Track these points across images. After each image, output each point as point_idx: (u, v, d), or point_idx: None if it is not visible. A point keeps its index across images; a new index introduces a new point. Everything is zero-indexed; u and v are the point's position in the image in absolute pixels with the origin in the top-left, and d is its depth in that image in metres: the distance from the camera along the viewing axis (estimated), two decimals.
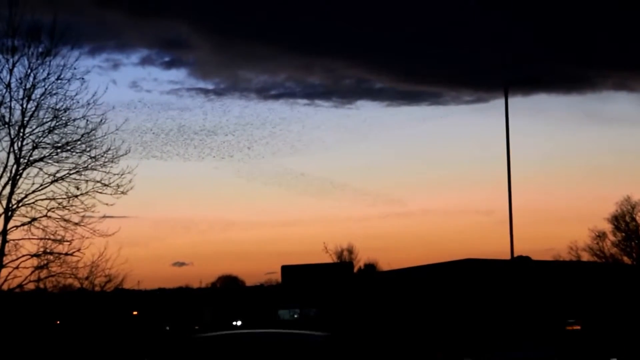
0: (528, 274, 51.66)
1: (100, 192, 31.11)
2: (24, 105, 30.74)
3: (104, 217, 31.46)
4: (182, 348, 14.63)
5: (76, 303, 51.68)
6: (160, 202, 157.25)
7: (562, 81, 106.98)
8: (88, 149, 31.07)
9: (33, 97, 30.79)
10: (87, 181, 31.07)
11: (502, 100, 37.64)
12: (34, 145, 30.87)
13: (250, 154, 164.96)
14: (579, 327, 51.34)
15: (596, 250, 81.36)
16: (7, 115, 30.57)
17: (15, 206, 30.65)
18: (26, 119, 30.73)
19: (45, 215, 30.80)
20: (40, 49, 30.82)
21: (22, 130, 30.72)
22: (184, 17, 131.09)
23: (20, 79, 30.64)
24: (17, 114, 30.72)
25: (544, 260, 68.03)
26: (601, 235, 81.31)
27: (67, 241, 30.99)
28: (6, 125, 30.55)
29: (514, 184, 38.96)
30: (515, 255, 53.97)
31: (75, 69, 31.05)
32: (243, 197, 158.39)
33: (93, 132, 31.03)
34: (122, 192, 31.32)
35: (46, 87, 30.84)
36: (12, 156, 30.65)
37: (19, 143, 30.72)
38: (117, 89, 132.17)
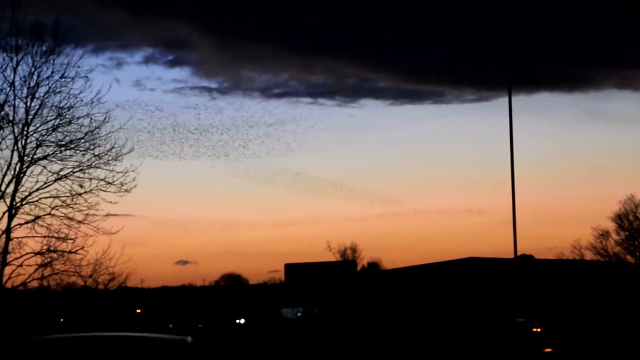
0: (531, 272, 51.64)
1: (104, 190, 31.21)
2: (28, 104, 30.86)
3: (108, 215, 31.57)
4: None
5: (80, 301, 51.78)
6: (163, 201, 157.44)
7: (565, 80, 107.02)
8: (92, 147, 31.18)
9: (37, 95, 30.90)
10: (90, 179, 31.19)
11: (505, 100, 37.71)
12: (38, 143, 30.96)
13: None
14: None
15: (599, 249, 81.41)
16: (11, 113, 30.70)
17: (19, 204, 30.74)
18: (30, 117, 30.84)
19: (49, 213, 30.90)
20: (43, 48, 30.95)
21: (26, 129, 30.81)
22: (186, 17, 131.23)
23: (24, 77, 30.76)
24: (21, 112, 30.86)
25: (547, 259, 68.02)
26: (604, 234, 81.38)
27: (71, 239, 31.09)
28: (10, 124, 30.66)
29: (517, 183, 38.98)
30: (519, 254, 54.06)
31: (78, 67, 31.19)
32: (244, 197, 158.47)
33: (97, 130, 31.15)
34: (126, 190, 31.41)
35: (50, 85, 30.97)
36: (16, 154, 30.76)
37: (23, 141, 30.82)
38: (121, 87, 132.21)
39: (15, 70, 30.66)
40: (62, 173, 31.11)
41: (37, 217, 30.79)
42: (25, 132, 30.81)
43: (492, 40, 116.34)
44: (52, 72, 30.93)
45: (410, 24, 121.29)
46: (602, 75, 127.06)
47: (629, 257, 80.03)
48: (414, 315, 52.18)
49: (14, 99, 30.67)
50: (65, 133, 31.12)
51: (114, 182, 31.17)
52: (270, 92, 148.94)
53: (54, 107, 31.02)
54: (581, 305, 50.06)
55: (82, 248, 31.17)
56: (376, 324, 52.67)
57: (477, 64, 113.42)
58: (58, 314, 54.02)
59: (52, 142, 31.05)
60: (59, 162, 31.12)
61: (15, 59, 30.64)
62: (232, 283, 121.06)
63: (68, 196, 31.01)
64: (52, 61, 30.93)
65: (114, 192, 31.23)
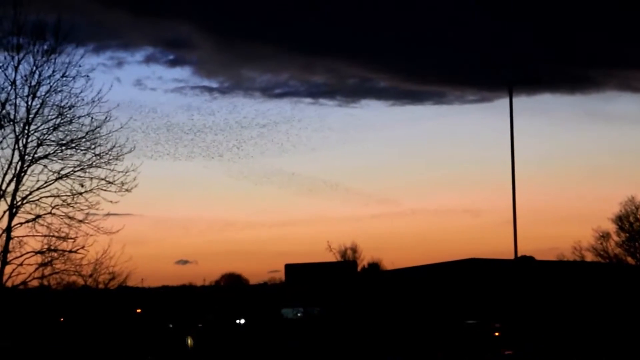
0: (532, 273, 51.65)
1: (105, 190, 31.22)
2: (29, 103, 30.86)
3: (108, 214, 31.57)
4: None
5: (80, 300, 51.76)
6: (164, 201, 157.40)
7: (565, 81, 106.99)
8: (92, 147, 31.18)
9: (38, 94, 30.91)
10: (91, 179, 31.20)
11: (506, 100, 37.67)
12: (39, 142, 30.95)
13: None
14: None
15: (600, 251, 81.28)
16: (12, 112, 30.70)
17: (19, 203, 30.73)
18: (31, 116, 30.84)
19: (50, 213, 30.90)
20: (45, 47, 30.94)
21: (27, 128, 30.81)
22: (187, 17, 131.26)
23: (25, 76, 30.77)
24: (22, 111, 30.86)
25: (547, 260, 68.03)
26: (605, 236, 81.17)
27: (71, 238, 31.09)
28: (11, 122, 30.65)
29: (518, 183, 38.94)
30: (519, 255, 54.03)
31: (79, 66, 31.19)
32: (243, 197, 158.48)
33: (97, 129, 31.16)
34: (127, 190, 31.41)
35: (51, 84, 30.97)
36: (17, 153, 30.76)
37: (24, 140, 30.81)
38: (122, 87, 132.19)
39: (16, 69, 30.68)
40: (62, 172, 31.14)
41: (38, 216, 30.80)
42: (26, 131, 30.81)
43: (493, 41, 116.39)
44: (53, 71, 30.97)
45: (411, 24, 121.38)
46: (603, 76, 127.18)
47: (629, 259, 79.93)
48: (414, 315, 52.15)
49: (15, 97, 30.71)
50: (66, 132, 31.16)
51: (114, 181, 31.20)
52: (271, 92, 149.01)
53: (55, 106, 31.06)
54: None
55: (83, 247, 31.19)
56: (376, 324, 52.64)
57: (478, 64, 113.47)
58: (58, 314, 54.01)
59: (53, 141, 31.08)
60: (59, 161, 31.15)
61: (16, 57, 30.65)
62: (232, 283, 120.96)
63: (69, 195, 31.04)
64: (53, 60, 30.96)
65: (115, 192, 31.26)
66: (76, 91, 31.04)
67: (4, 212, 30.59)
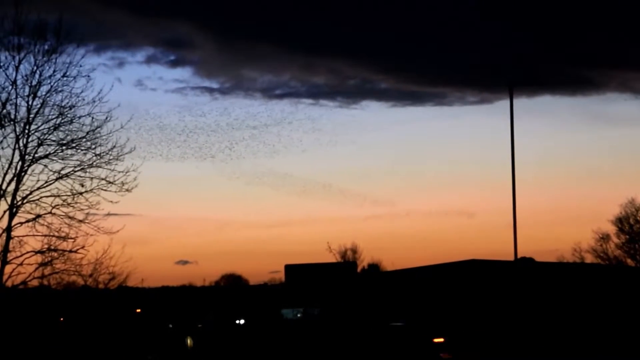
0: (532, 275, 51.63)
1: (105, 190, 31.27)
2: (30, 102, 30.91)
3: (109, 214, 31.61)
4: None
5: (80, 300, 51.78)
6: (164, 201, 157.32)
7: (566, 83, 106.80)
8: (93, 147, 31.25)
9: (39, 94, 30.96)
10: (91, 178, 31.26)
11: (507, 102, 37.82)
12: (39, 142, 31.00)
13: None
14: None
15: (600, 252, 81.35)
16: (12, 112, 30.75)
17: (20, 203, 30.78)
18: (32, 116, 30.90)
19: (50, 212, 30.95)
20: (46, 47, 30.98)
21: (27, 127, 30.85)
22: (188, 17, 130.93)
23: (26, 76, 30.81)
24: (23, 111, 30.91)
25: (547, 261, 68.01)
26: (605, 237, 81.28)
27: (72, 238, 31.15)
28: (12, 122, 30.70)
29: (518, 185, 38.96)
30: (519, 256, 54.04)
31: (80, 66, 31.24)
32: (244, 197, 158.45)
33: (98, 129, 31.22)
34: (127, 190, 31.45)
35: (52, 84, 31.03)
36: (17, 153, 30.82)
37: (25, 140, 30.86)
38: (123, 87, 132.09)
39: (17, 68, 30.75)
40: (63, 172, 31.20)
41: (38, 216, 30.83)
42: (26, 131, 30.85)
43: (493, 43, 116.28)
44: (54, 71, 31.04)
45: (411, 25, 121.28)
46: (603, 77, 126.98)
47: (629, 261, 79.96)
48: (415, 316, 52.11)
49: (16, 97, 30.77)
50: (66, 132, 31.22)
51: (115, 181, 31.23)
52: (272, 92, 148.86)
53: (55, 106, 31.12)
54: (582, 307, 49.97)
55: (83, 247, 31.25)
56: (377, 325, 52.60)
57: (479, 66, 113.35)
58: (58, 313, 54.01)
59: (54, 141, 31.14)
60: (60, 161, 31.21)
61: (17, 57, 30.72)
62: (232, 283, 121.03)
63: (69, 195, 31.10)
64: (54, 60, 31.03)
65: (115, 192, 31.30)
66: (77, 91, 31.15)
67: (4, 211, 30.66)
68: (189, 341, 62.80)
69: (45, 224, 30.91)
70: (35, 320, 47.43)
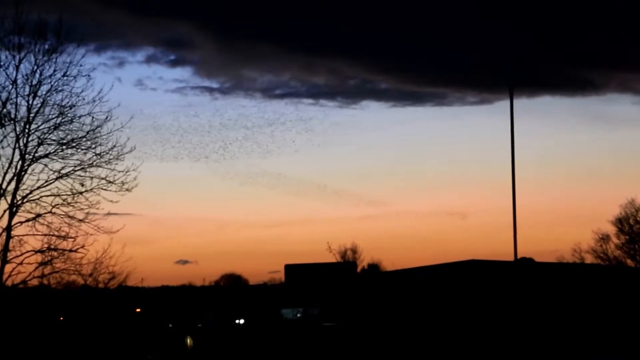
0: (531, 275, 51.63)
1: (105, 189, 31.26)
2: (30, 102, 30.90)
3: (109, 214, 31.60)
4: None
5: (80, 299, 51.79)
6: (164, 201, 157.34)
7: (566, 83, 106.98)
8: (93, 146, 31.24)
9: (39, 93, 30.96)
10: (91, 178, 31.26)
11: (507, 102, 37.83)
12: (40, 141, 30.99)
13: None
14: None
15: (600, 253, 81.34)
16: (13, 111, 30.74)
17: (20, 202, 30.77)
18: (32, 115, 30.89)
19: (50, 212, 30.95)
20: (46, 46, 30.98)
21: (27, 127, 30.85)
22: (188, 17, 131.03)
23: (26, 75, 30.81)
24: (23, 110, 30.90)
25: (547, 262, 67.98)
26: (605, 238, 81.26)
27: (71, 238, 31.15)
28: (12, 121, 30.69)
29: (518, 185, 38.96)
30: (519, 256, 54.03)
31: (81, 66, 31.24)
32: (244, 198, 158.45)
33: (98, 129, 31.20)
34: (127, 190, 31.44)
35: (52, 83, 31.03)
36: (17, 152, 30.81)
37: (25, 139, 30.85)
38: (123, 87, 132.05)
39: (17, 68, 30.74)
40: (63, 171, 31.20)
41: (38, 216, 30.83)
42: (26, 130, 30.85)
43: (494, 43, 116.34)
44: (54, 71, 31.04)
45: (412, 25, 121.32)
46: (603, 78, 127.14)
47: (629, 261, 79.94)
48: (415, 316, 52.12)
49: (16, 96, 30.76)
50: (66, 131, 31.22)
51: (115, 181, 31.23)
52: (272, 92, 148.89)
53: (55, 106, 31.11)
54: (580, 308, 49.96)
55: (83, 247, 31.26)
56: (377, 325, 52.63)
57: (479, 66, 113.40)
58: (58, 313, 54.03)
59: (54, 140, 31.13)
60: (60, 160, 31.21)
61: (17, 57, 30.73)
62: (232, 283, 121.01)
63: (69, 195, 31.09)
64: (54, 60, 31.02)
65: (115, 191, 31.30)
66: (77, 91, 31.16)
67: (4, 210, 30.66)
68: (188, 341, 62.80)
69: (45, 223, 30.94)
70: (35, 320, 47.43)
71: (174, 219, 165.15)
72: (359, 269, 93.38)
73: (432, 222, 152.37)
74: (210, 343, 62.97)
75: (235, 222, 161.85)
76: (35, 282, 32.52)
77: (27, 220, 30.80)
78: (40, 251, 31.05)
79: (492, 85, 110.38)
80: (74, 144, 31.18)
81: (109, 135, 31.17)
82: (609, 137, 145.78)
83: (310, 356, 51.23)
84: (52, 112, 31.06)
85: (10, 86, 30.62)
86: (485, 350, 48.04)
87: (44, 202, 30.95)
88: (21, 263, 30.91)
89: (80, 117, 31.11)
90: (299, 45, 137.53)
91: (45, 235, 30.99)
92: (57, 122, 31.04)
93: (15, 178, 30.72)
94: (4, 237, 30.58)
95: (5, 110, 30.53)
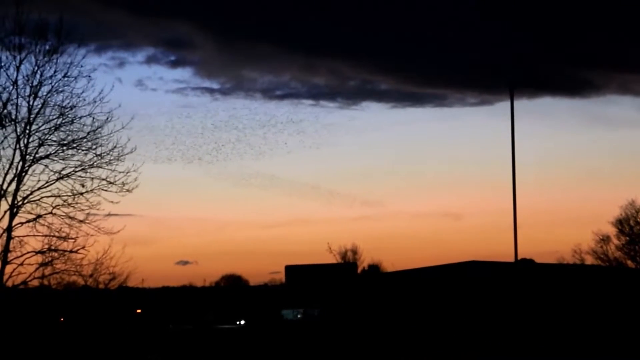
0: (532, 276, 51.64)
1: (106, 190, 31.25)
2: (31, 103, 30.88)
3: (109, 215, 31.57)
4: None
5: (80, 300, 51.80)
6: (165, 201, 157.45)
7: (566, 84, 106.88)
8: (94, 147, 31.23)
9: (39, 94, 30.95)
10: (92, 179, 31.25)
11: (507, 103, 37.79)
12: (40, 142, 30.99)
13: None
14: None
15: (600, 254, 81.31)
16: (13, 112, 30.74)
17: (20, 203, 30.77)
18: (32, 116, 30.88)
19: (51, 213, 30.93)
20: (46, 47, 30.96)
21: (28, 128, 30.84)
22: (188, 17, 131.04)
23: (27, 76, 30.79)
24: (24, 111, 30.90)
25: (548, 263, 68.00)
26: (605, 239, 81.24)
27: (72, 238, 31.14)
28: (13, 122, 30.68)
29: (518, 186, 38.96)
30: (520, 257, 54.04)
31: (81, 66, 31.22)
32: (244, 198, 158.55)
33: (99, 129, 31.18)
34: (128, 190, 31.44)
35: (53, 84, 31.01)
36: (18, 153, 30.81)
37: (25, 140, 30.84)
38: (123, 87, 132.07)
39: (18, 68, 30.73)
40: (63, 172, 31.19)
41: (39, 216, 30.82)
42: (27, 131, 30.83)
43: (494, 43, 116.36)
44: (55, 71, 31.02)
45: (412, 26, 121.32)
46: (603, 79, 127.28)
47: (629, 262, 79.93)
48: (415, 317, 52.14)
49: (17, 97, 30.75)
50: (67, 132, 31.20)
51: (115, 182, 31.23)
52: (272, 93, 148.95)
53: (56, 106, 31.10)
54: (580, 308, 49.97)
55: (83, 247, 31.23)
56: (377, 326, 52.64)
57: (479, 66, 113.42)
58: (58, 313, 54.04)
59: (54, 141, 31.11)
60: (60, 161, 31.20)
61: (18, 57, 30.70)
62: (232, 284, 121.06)
63: (69, 195, 31.09)
64: (55, 60, 31.01)
65: (116, 192, 31.29)
66: (78, 91, 31.14)
67: (5, 211, 30.66)
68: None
69: (46, 224, 30.93)
70: (35, 320, 47.45)
71: (175, 220, 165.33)
72: (359, 270, 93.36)
73: (432, 223, 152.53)
74: (211, 344, 62.96)
75: (236, 222, 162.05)
76: (35, 282, 32.53)
77: (28, 221, 30.82)
78: (41, 252, 31.05)
79: (492, 86, 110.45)
80: (74, 145, 31.18)
81: (110, 136, 31.19)
82: (609, 138, 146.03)
83: (310, 357, 51.20)
84: (52, 113, 31.10)
85: (11, 87, 30.64)
86: (486, 351, 48.04)
87: (44, 203, 30.98)
88: (22, 264, 30.91)
89: (80, 117, 31.15)
90: (299, 46, 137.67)
91: (45, 236, 31.01)
92: (58, 123, 31.05)
93: (15, 179, 30.72)
94: (5, 238, 30.59)
95: (5, 111, 30.54)
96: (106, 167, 31.24)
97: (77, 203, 31.05)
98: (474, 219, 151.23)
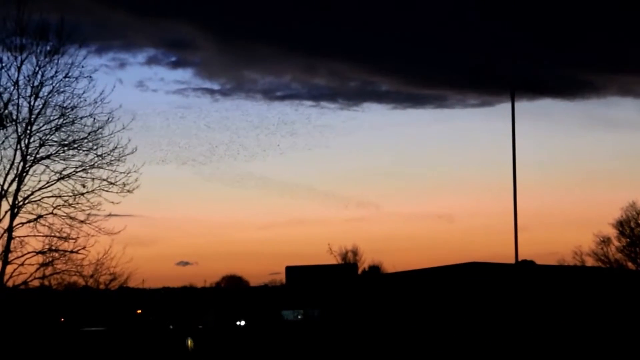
0: (532, 278, 51.63)
1: (106, 191, 31.28)
2: (32, 103, 30.93)
3: (110, 215, 31.61)
4: None
5: (81, 301, 51.80)
6: (165, 202, 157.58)
7: (567, 86, 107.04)
8: (95, 147, 31.26)
9: (41, 94, 30.98)
10: (93, 179, 31.29)
11: (508, 104, 37.80)
12: (41, 142, 31.02)
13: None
14: None
15: (601, 256, 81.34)
16: (14, 112, 30.77)
17: (21, 203, 30.80)
18: (33, 116, 30.92)
19: (51, 213, 30.96)
20: (48, 48, 31.00)
21: (29, 128, 30.88)
22: (189, 18, 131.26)
23: (28, 76, 30.83)
24: (25, 111, 30.93)
25: (548, 264, 67.97)
26: (606, 241, 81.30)
27: (73, 239, 31.18)
28: (14, 123, 30.71)
29: (519, 187, 38.95)
30: (520, 259, 54.02)
31: (82, 67, 31.26)
32: (243, 199, 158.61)
33: (100, 130, 31.22)
34: (128, 191, 31.47)
35: (54, 85, 31.04)
36: (19, 153, 30.85)
37: (26, 140, 30.88)
38: (124, 88, 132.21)
39: (19, 69, 30.75)
40: (64, 173, 31.22)
41: (39, 217, 30.86)
42: (28, 131, 30.87)
43: (495, 45, 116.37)
44: (56, 72, 31.05)
45: (413, 27, 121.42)
46: (604, 81, 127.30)
47: (630, 264, 79.96)
48: (415, 319, 52.17)
49: (18, 98, 30.78)
50: (68, 133, 31.22)
51: (116, 182, 31.25)
52: (273, 94, 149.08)
53: (57, 107, 31.13)
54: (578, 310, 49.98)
55: (84, 248, 31.27)
56: (377, 327, 52.66)
57: (479, 67, 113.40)
58: (59, 314, 54.06)
59: (55, 141, 31.14)
60: (61, 161, 31.23)
61: (19, 58, 30.73)
62: (232, 284, 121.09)
63: (70, 196, 31.12)
64: (56, 61, 31.05)
65: (117, 193, 31.32)
66: (79, 92, 31.18)
67: (6, 212, 30.68)
68: (189, 342, 62.81)
69: (47, 224, 30.96)
70: (36, 321, 47.46)
71: (175, 221, 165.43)
72: (359, 271, 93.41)
73: (432, 224, 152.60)
74: (211, 344, 63.00)
75: (237, 223, 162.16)
76: (36, 283, 32.56)
77: (29, 222, 30.85)
78: (42, 252, 31.08)
79: (492, 88, 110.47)
80: (75, 145, 31.22)
81: (110, 136, 31.23)
82: (610, 140, 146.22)
83: (310, 357, 51.23)
84: (53, 114, 31.13)
85: (12, 87, 30.67)
86: (486, 353, 48.04)
87: (45, 203, 31.01)
88: (22, 264, 30.94)
89: (81, 118, 31.19)
90: (300, 47, 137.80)
91: (46, 236, 31.05)
92: (59, 123, 31.08)
93: (16, 179, 30.75)
94: (6, 238, 30.62)
95: (6, 111, 30.57)
96: (107, 168, 31.32)
97: (77, 203, 31.12)
98: (474, 220, 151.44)
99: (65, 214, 31.02)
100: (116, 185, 31.25)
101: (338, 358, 50.29)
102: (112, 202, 31.33)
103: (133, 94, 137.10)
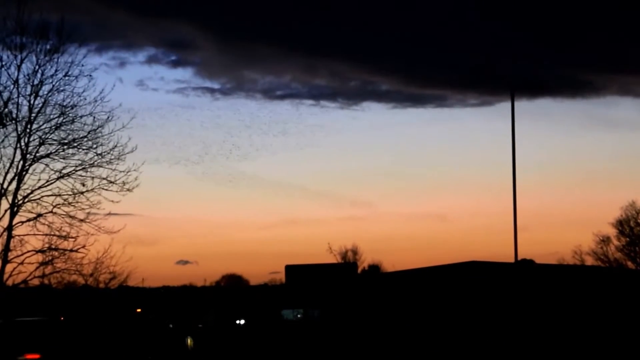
0: (532, 277, 51.66)
1: (106, 189, 31.32)
2: (32, 102, 30.95)
3: (109, 214, 31.64)
4: None
5: (80, 299, 51.83)
6: (165, 201, 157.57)
7: (567, 86, 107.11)
8: (94, 146, 31.29)
9: (40, 93, 31.01)
10: (93, 178, 31.31)
11: (508, 104, 37.84)
12: (41, 141, 31.05)
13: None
14: None
15: (600, 255, 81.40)
16: (14, 111, 30.79)
17: (21, 202, 30.82)
18: (33, 115, 30.95)
19: (51, 212, 30.99)
20: (48, 46, 31.04)
21: (29, 127, 30.90)
22: (190, 17, 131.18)
23: (28, 75, 30.85)
24: (25, 110, 30.95)
25: (548, 264, 68.00)
26: (605, 240, 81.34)
27: (72, 237, 31.20)
28: (13, 121, 30.73)
29: (519, 187, 38.95)
30: (520, 258, 54.05)
31: (82, 66, 31.30)
32: (243, 199, 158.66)
33: (100, 129, 31.26)
34: (128, 190, 31.50)
35: (54, 83, 31.07)
36: (18, 152, 30.88)
37: (26, 139, 30.90)
38: (124, 87, 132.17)
39: (19, 68, 30.77)
40: (64, 171, 31.26)
41: (39, 215, 30.88)
42: (28, 130, 30.90)
43: (495, 45, 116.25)
44: (56, 71, 31.08)
45: (413, 27, 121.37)
46: (604, 81, 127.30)
47: (629, 263, 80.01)
48: (415, 317, 52.20)
49: (18, 96, 30.80)
50: (68, 131, 31.26)
51: (116, 181, 31.29)
52: (273, 93, 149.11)
53: (57, 106, 31.17)
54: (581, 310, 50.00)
55: (84, 247, 31.30)
56: (377, 327, 52.70)
57: (479, 67, 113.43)
58: (58, 312, 54.05)
59: (55, 140, 31.17)
60: (61, 160, 31.27)
61: (19, 56, 30.75)
62: (232, 283, 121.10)
63: (70, 194, 31.14)
64: (56, 59, 31.07)
65: (116, 191, 31.35)
66: (78, 90, 31.21)
67: (6, 210, 30.71)
68: (189, 341, 62.86)
69: (46, 223, 30.99)
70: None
71: (175, 220, 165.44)
72: (359, 270, 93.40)
73: (431, 224, 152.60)
74: (211, 343, 63.05)
75: (237, 222, 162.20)
76: (36, 281, 32.57)
77: (28, 220, 30.88)
78: (41, 251, 31.10)
79: (492, 87, 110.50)
80: (75, 144, 31.25)
81: (110, 135, 31.26)
82: (610, 140, 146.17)
83: (310, 357, 51.26)
84: (53, 112, 31.16)
85: (12, 86, 30.69)
86: (486, 352, 48.08)
87: (45, 202, 31.04)
88: (22, 263, 30.96)
89: (81, 117, 31.22)
90: (300, 47, 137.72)
91: (46, 235, 31.07)
92: (59, 122, 31.12)
93: (16, 178, 30.77)
94: (5, 237, 30.65)
95: (6, 110, 30.60)
96: (107, 167, 31.35)
97: (77, 202, 31.14)
98: (474, 220, 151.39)
99: (65, 213, 31.08)
100: (116, 184, 31.31)
101: (338, 357, 50.33)
102: (112, 201, 31.40)
103: (133, 93, 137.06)
